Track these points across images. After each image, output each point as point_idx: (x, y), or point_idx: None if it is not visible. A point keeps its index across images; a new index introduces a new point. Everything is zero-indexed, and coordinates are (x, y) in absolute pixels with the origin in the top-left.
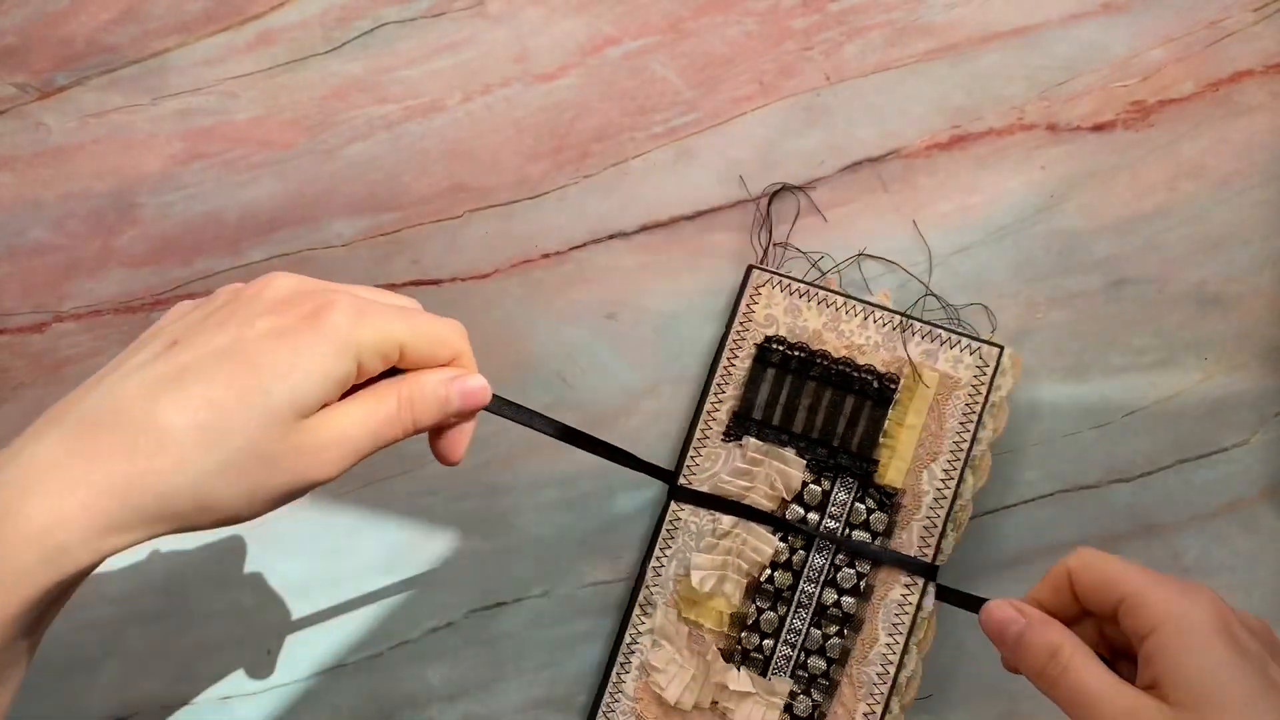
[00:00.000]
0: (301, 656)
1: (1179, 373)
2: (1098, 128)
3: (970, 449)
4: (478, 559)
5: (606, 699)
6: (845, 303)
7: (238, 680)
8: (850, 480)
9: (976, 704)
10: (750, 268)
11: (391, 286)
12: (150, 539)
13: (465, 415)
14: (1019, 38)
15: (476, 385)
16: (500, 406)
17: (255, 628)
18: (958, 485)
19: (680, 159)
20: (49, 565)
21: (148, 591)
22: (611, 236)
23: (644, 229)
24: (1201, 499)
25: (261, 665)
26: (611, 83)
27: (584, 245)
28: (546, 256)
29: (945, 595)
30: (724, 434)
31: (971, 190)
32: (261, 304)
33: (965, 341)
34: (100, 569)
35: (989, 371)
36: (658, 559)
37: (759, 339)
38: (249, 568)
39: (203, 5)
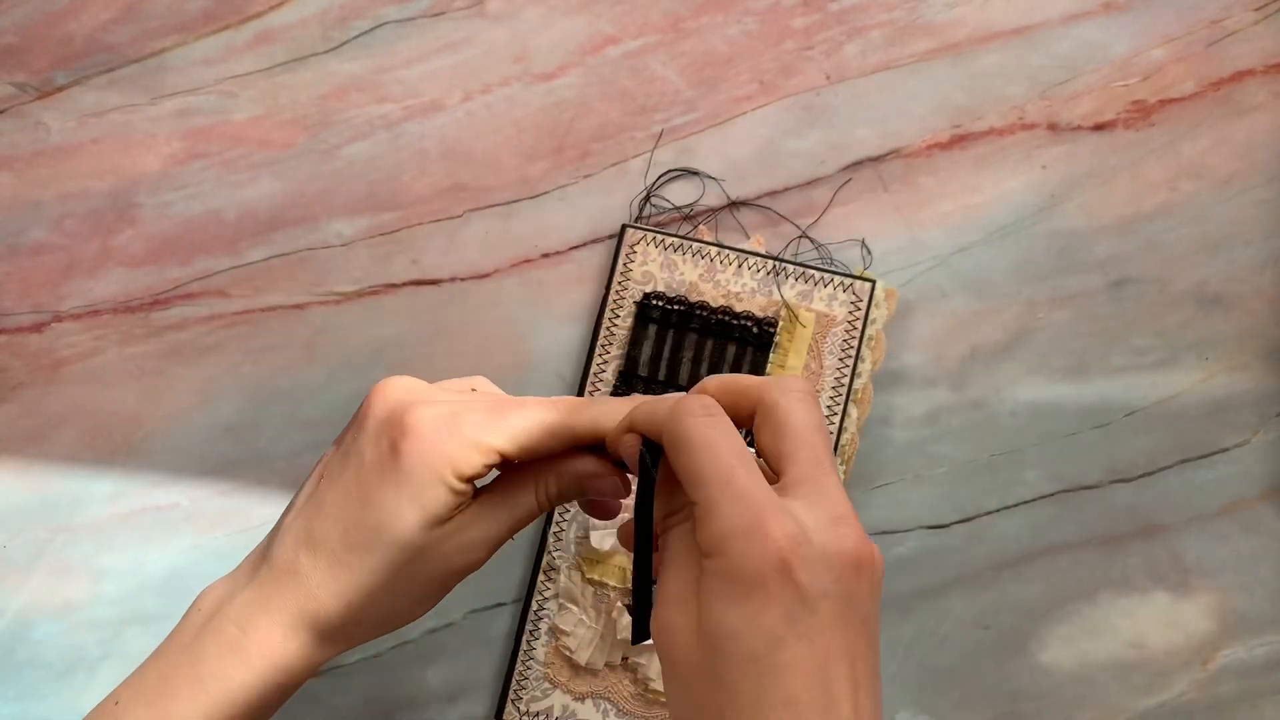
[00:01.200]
0: None
1: (1180, 373)
2: (1098, 127)
3: (851, 383)
4: None
5: (519, 668)
6: (719, 253)
7: None
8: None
9: (977, 705)
10: (624, 226)
11: (391, 286)
12: (348, 648)
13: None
14: (1020, 37)
15: (611, 488)
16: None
17: None
18: (842, 419)
19: (680, 159)
20: (264, 682)
21: (148, 591)
22: (611, 236)
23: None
24: (1202, 499)
25: None
26: (611, 82)
27: (584, 245)
28: (546, 256)
29: None
30: (612, 393)
31: (972, 190)
32: (367, 432)
33: (839, 279)
34: (100, 569)
35: (863, 306)
36: (557, 524)
37: (638, 297)
38: None
39: (202, 4)
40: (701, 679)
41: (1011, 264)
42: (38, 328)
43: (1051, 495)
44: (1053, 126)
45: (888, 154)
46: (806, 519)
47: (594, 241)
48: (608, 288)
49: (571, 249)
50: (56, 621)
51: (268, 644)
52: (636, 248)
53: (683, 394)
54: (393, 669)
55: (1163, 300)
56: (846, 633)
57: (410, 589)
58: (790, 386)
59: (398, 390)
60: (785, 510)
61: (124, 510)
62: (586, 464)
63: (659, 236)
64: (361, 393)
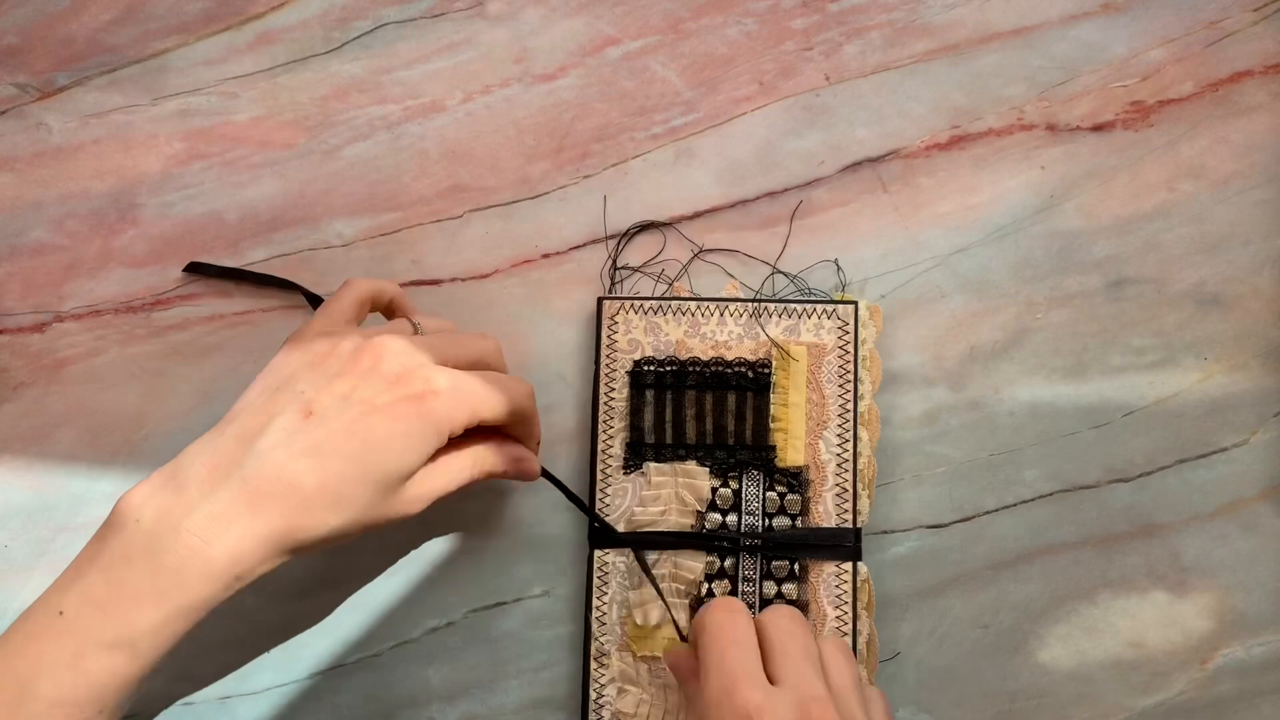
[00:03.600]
0: (301, 656)
1: (1178, 373)
2: (1097, 128)
3: (855, 407)
4: (478, 559)
5: None
6: (699, 305)
7: (238, 680)
8: (755, 473)
9: (975, 704)
10: (600, 299)
11: None
12: (292, 557)
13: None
14: (1018, 38)
15: (530, 468)
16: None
17: (255, 628)
18: (854, 445)
19: (680, 159)
20: (225, 590)
21: None
22: (611, 236)
23: (643, 229)
24: (1201, 499)
25: (261, 665)
26: (611, 83)
27: (584, 245)
28: (546, 256)
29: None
30: (623, 467)
31: (971, 190)
32: (379, 380)
33: (820, 307)
34: None
35: (850, 329)
36: (598, 609)
37: (629, 366)
38: None
39: (203, 5)
40: None
41: (1010, 264)
42: (39, 328)
43: (1050, 495)
44: (1051, 127)
45: (887, 154)
46: (780, 696)
47: (594, 242)
48: (597, 363)
49: (571, 249)
50: None
51: (234, 555)
52: (617, 318)
53: (716, 600)
54: (393, 668)
55: (1161, 300)
56: None
57: (367, 519)
58: (779, 613)
59: (402, 351)
60: (757, 684)
61: None
62: (510, 448)
63: (637, 302)
64: None
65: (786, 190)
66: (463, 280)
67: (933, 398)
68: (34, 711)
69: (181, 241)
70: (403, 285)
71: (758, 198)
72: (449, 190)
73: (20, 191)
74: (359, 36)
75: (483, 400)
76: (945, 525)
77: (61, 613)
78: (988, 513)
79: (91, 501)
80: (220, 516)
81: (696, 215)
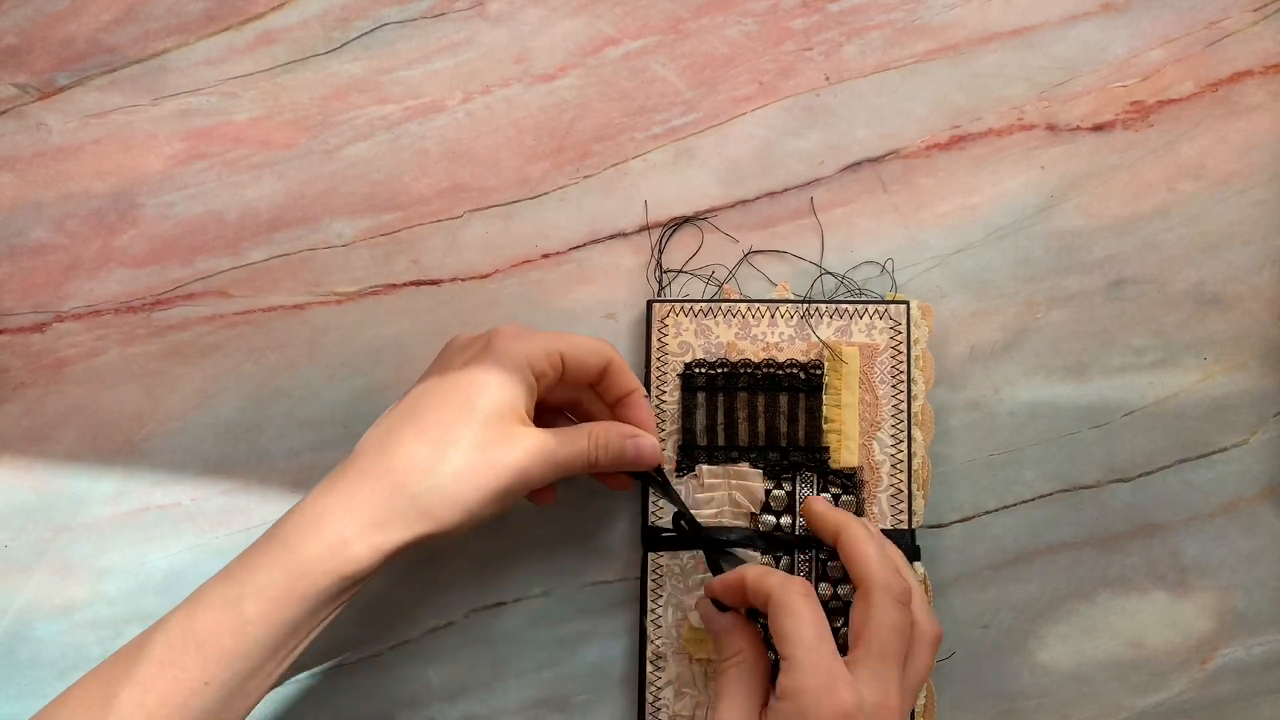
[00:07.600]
0: (302, 656)
1: (1178, 373)
2: (1097, 128)
3: (909, 407)
4: (478, 559)
5: None
6: (749, 307)
7: None
8: (809, 474)
9: (975, 704)
10: (650, 303)
11: (392, 287)
12: (415, 539)
13: (634, 468)
14: (1018, 38)
15: (650, 447)
16: (658, 476)
17: None
18: (909, 445)
19: (680, 159)
20: (332, 552)
21: (148, 591)
22: (611, 236)
23: (643, 229)
24: (1201, 499)
25: None
26: (611, 83)
27: (584, 245)
28: (546, 256)
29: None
30: (676, 469)
31: (971, 190)
32: (454, 348)
33: (872, 308)
34: (101, 568)
35: (903, 329)
36: (653, 612)
37: (679, 369)
38: None
39: (203, 5)
40: None
41: (1010, 264)
42: (39, 328)
43: (1050, 495)
44: (1051, 127)
45: (887, 155)
46: (866, 694)
47: (594, 242)
48: (647, 365)
49: (571, 249)
50: (58, 620)
51: (342, 514)
52: (667, 320)
53: (789, 576)
54: (393, 668)
55: (1161, 300)
56: None
57: (481, 475)
58: (891, 586)
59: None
60: (854, 684)
61: (125, 510)
62: (627, 428)
63: (687, 305)
64: (363, 392)
65: (786, 190)
66: (463, 280)
67: (933, 398)
68: (143, 674)
69: (182, 241)
70: (402, 285)
71: (758, 198)
72: (449, 190)
73: (20, 191)
74: (359, 36)
75: (550, 336)
76: (945, 525)
77: (202, 586)
78: (988, 513)
79: (91, 501)
80: (336, 484)
81: (697, 216)
